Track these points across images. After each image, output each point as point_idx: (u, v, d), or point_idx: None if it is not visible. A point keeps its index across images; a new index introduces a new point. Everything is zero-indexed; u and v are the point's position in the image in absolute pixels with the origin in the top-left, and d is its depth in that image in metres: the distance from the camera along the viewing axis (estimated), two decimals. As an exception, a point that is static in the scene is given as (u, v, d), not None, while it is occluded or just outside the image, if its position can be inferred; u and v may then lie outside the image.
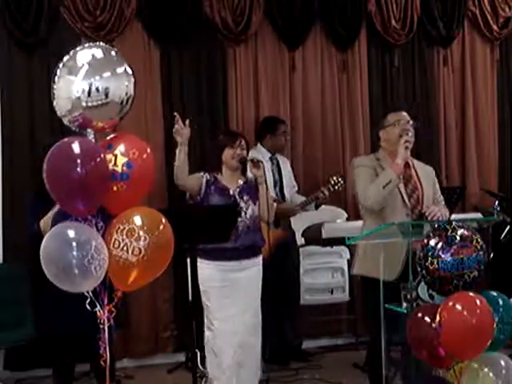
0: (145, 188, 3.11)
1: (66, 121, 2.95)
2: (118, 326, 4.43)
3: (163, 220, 3.03)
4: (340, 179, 5.38)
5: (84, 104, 2.86)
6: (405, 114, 4.28)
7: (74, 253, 2.81)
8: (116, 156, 2.94)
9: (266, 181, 4.29)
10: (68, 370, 4.40)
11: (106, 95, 2.88)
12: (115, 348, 4.16)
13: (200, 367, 4.23)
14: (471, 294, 3.33)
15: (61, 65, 2.91)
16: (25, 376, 5.39)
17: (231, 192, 4.32)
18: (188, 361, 5.33)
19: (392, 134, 4.19)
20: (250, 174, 4.39)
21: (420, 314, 3.42)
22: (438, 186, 4.36)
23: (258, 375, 4.39)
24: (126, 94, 2.93)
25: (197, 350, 4.15)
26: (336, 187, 5.38)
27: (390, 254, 3.81)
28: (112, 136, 3.04)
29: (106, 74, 2.88)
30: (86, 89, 2.85)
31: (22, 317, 4.94)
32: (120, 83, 2.92)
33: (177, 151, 4.16)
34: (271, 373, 4.77)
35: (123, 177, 2.94)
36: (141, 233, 2.90)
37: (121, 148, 2.96)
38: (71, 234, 2.86)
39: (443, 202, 4.31)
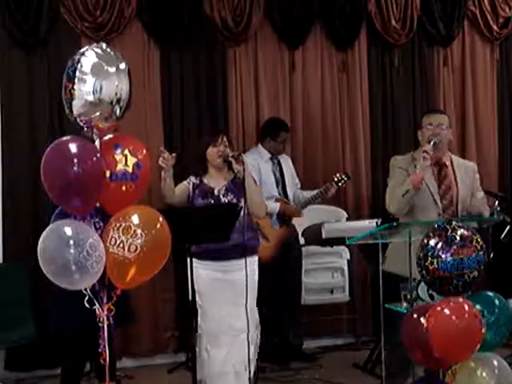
0: (145, 188, 3.15)
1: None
2: (127, 321, 4.45)
3: (160, 219, 3.05)
4: (343, 176, 5.38)
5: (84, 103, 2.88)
6: (438, 116, 4.32)
7: (71, 250, 2.82)
8: (126, 156, 2.96)
9: (246, 175, 4.13)
10: (78, 370, 4.40)
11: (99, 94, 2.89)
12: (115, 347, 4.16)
13: (200, 367, 4.22)
14: (460, 299, 3.34)
15: (74, 66, 2.92)
16: (25, 376, 5.39)
17: (215, 192, 4.27)
18: (188, 361, 5.32)
19: (424, 136, 4.23)
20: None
21: (415, 315, 3.42)
22: (478, 182, 4.37)
23: (251, 377, 4.29)
24: (116, 94, 2.92)
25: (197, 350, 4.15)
26: (340, 184, 5.38)
27: None
28: (111, 136, 3.05)
29: (100, 73, 2.89)
30: (91, 89, 2.87)
31: (22, 317, 4.94)
32: (110, 83, 2.91)
33: (162, 175, 4.10)
34: (271, 373, 4.76)
35: (133, 177, 2.98)
36: (137, 230, 2.92)
37: (129, 148, 2.99)
38: (67, 231, 2.87)
39: (481, 196, 4.33)
